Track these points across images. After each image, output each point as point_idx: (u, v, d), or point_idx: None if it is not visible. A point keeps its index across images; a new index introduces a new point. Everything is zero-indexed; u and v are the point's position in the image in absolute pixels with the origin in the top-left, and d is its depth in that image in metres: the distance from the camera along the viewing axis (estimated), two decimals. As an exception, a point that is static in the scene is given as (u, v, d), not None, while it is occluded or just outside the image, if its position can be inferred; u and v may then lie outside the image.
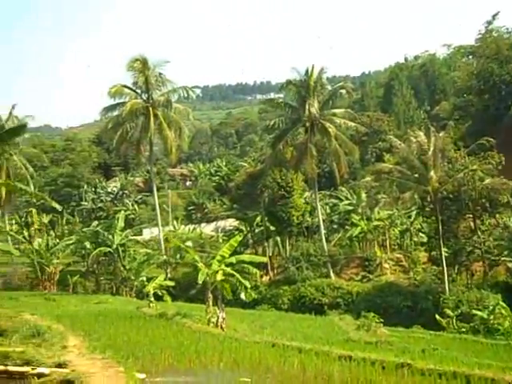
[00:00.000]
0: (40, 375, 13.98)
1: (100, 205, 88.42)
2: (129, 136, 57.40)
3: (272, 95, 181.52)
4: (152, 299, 34.42)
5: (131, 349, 17.74)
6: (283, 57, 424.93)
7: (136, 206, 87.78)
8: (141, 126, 56.92)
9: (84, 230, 57.02)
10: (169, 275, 49.70)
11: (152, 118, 55.37)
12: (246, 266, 28.82)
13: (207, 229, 73.74)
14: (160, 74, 56.78)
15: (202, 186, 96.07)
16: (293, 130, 52.86)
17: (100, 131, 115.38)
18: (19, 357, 15.23)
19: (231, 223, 68.27)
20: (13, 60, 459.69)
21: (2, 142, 27.86)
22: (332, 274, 50.24)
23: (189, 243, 31.04)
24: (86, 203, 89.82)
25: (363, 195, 58.82)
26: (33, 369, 14.32)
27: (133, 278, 48.59)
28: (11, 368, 14.83)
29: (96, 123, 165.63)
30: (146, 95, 56.96)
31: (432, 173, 42.51)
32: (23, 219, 61.81)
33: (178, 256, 58.09)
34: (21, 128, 31.61)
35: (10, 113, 61.77)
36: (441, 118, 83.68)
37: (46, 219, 69.13)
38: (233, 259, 27.97)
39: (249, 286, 28.02)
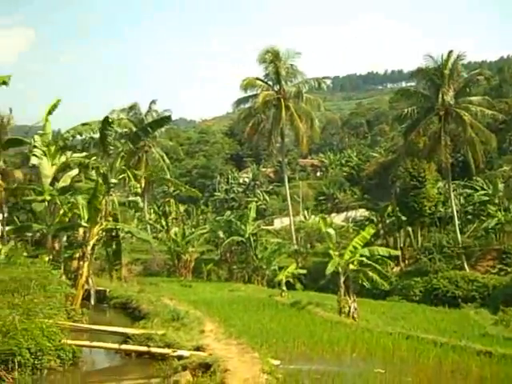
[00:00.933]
0: (180, 357, 14.71)
1: (232, 195, 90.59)
2: (260, 127, 58.34)
3: (403, 84, 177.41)
4: (284, 288, 34.93)
5: (264, 336, 18.17)
6: (415, 45, 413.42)
7: (267, 197, 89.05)
8: (272, 117, 57.63)
9: (217, 219, 58.67)
10: (299, 265, 50.06)
11: (283, 110, 55.89)
12: (379, 257, 28.73)
13: (337, 219, 73.43)
14: (291, 65, 57.27)
15: (333, 177, 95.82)
16: (425, 119, 51.45)
17: (232, 123, 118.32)
18: (161, 339, 16.12)
19: (362, 213, 67.73)
20: (152, 55, 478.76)
21: (147, 133, 29.10)
22: (466, 266, 48.59)
23: (331, 230, 30.90)
24: (219, 194, 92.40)
25: (500, 185, 56.38)
26: (173, 351, 15.10)
27: (264, 266, 49.38)
28: (154, 349, 15.75)
29: (228, 115, 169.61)
30: (278, 87, 57.56)
31: None
32: (161, 209, 64.32)
33: (309, 246, 58.57)
34: (165, 119, 32.98)
35: (150, 107, 64.76)
36: None
37: (181, 209, 71.85)
38: (366, 251, 27.91)
39: (390, 278, 27.87)
